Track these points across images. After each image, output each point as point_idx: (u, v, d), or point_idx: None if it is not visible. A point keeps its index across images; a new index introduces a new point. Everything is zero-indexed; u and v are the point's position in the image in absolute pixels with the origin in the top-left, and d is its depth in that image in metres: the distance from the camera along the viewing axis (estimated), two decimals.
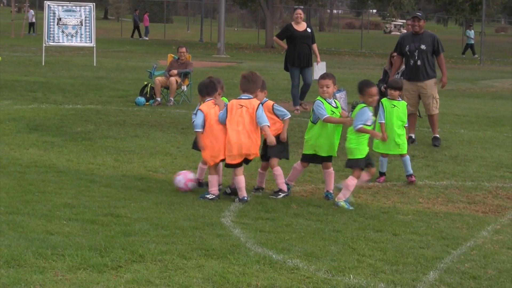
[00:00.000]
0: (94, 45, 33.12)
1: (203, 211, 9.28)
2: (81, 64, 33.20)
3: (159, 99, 19.76)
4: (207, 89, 10.19)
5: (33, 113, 17.34)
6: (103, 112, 17.74)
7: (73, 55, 39.26)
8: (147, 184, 10.71)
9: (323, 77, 10.38)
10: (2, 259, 7.01)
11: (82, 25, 32.95)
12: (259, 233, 8.41)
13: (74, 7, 33.30)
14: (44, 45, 32.86)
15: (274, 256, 7.52)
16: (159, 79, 20.07)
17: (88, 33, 33.10)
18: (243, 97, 9.94)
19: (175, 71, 19.95)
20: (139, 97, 19.90)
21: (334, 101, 10.24)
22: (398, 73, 17.06)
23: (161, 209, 9.27)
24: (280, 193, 10.23)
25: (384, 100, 11.70)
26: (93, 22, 33.26)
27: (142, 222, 8.61)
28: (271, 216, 9.17)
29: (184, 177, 10.37)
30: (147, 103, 19.71)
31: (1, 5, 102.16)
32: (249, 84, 9.94)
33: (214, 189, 9.93)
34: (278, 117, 10.31)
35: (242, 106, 9.82)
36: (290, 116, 10.48)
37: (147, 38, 65.48)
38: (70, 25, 32.70)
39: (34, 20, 65.15)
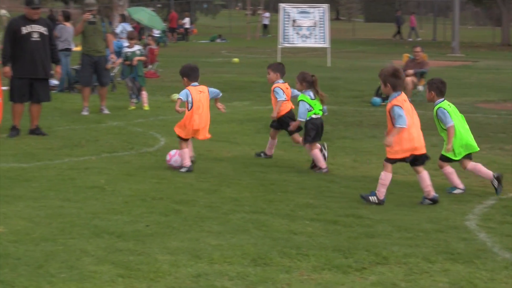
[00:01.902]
0: (328, 46, 33.42)
1: (446, 213, 9.07)
2: (315, 64, 33.55)
3: None
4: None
5: (271, 113, 17.64)
6: (339, 113, 17.82)
7: (307, 56, 39.78)
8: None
9: None
10: (249, 257, 7.17)
11: (316, 26, 33.36)
12: (505, 237, 8.10)
13: (308, 9, 33.80)
14: (279, 46, 33.54)
15: None
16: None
17: (322, 34, 33.49)
18: (399, 93, 9.52)
19: (411, 71, 19.73)
20: (375, 98, 19.85)
21: None
22: None
23: (403, 211, 9.16)
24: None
25: None
26: (327, 23, 33.59)
27: (384, 223, 8.53)
28: None
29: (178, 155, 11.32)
30: (383, 103, 19.59)
31: (236, 8, 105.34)
32: (402, 81, 9.61)
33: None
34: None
35: (406, 100, 9.53)
36: (283, 99, 12.10)
37: (410, 39, 63.79)
38: (304, 26, 33.23)
39: (268, 22, 66.66)
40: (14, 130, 14.07)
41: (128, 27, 30.30)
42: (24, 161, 11.71)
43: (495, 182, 10.09)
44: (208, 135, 11.70)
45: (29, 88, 14.13)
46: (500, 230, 8.41)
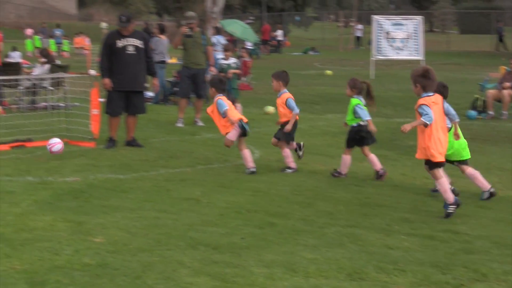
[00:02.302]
0: (423, 58, 33.08)
1: None
2: (409, 77, 33.14)
3: (491, 112, 19.27)
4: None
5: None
6: None
7: (400, 68, 39.42)
8: (486, 200, 10.42)
9: None
10: (345, 271, 7.11)
11: (410, 38, 33.10)
12: None
13: (402, 21, 33.56)
14: (372, 58, 33.35)
15: None
16: (491, 92, 19.58)
17: (416, 46, 33.21)
18: (430, 94, 9.50)
19: (508, 84, 19.36)
20: (470, 111, 19.55)
21: None
22: None
23: (501, 227, 8.98)
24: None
25: None
26: (421, 35, 33.27)
27: (483, 239, 8.37)
28: None
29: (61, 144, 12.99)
30: (479, 116, 19.29)
31: (329, 20, 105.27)
32: (432, 82, 9.55)
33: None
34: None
35: (436, 103, 9.46)
36: (298, 112, 12.24)
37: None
38: (398, 38, 32.99)
39: (360, 34, 66.40)
40: (111, 142, 14.31)
41: (222, 40, 30.54)
42: (121, 172, 11.89)
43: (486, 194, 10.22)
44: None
45: (125, 100, 14.36)
46: None
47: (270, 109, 20.07)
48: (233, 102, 18.32)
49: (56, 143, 12.89)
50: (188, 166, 12.54)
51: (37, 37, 55.86)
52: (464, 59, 51.71)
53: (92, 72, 17.16)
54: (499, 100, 19.63)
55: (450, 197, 9.44)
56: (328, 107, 21.39)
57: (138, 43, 14.33)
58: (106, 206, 9.60)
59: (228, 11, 71.76)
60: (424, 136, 9.43)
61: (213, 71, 18.21)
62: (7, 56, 34.52)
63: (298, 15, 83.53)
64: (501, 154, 13.85)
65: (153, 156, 13.39)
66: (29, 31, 59.69)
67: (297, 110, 12.25)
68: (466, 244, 8.18)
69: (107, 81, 14.14)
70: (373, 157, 11.80)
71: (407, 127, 9.30)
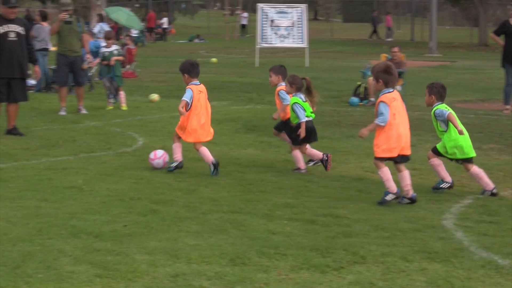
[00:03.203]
0: (306, 46, 33.47)
1: (423, 213, 9.11)
2: (294, 65, 33.52)
3: (373, 99, 19.64)
4: None
5: (249, 113, 17.75)
6: (317, 113, 17.62)
7: (285, 56, 39.82)
8: (365, 185, 10.65)
9: None
10: (227, 257, 7.17)
11: (294, 26, 33.46)
12: (482, 236, 8.15)
13: (286, 9, 33.89)
14: (257, 46, 33.55)
15: (500, 261, 7.25)
16: (372, 79, 19.97)
17: (300, 34, 33.60)
18: (391, 90, 9.51)
19: None
20: (353, 97, 19.93)
21: None
22: None
23: (380, 211, 9.18)
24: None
25: None
26: (305, 23, 33.67)
27: (362, 223, 8.56)
28: (495, 220, 8.88)
29: (163, 160, 11.26)
30: (361, 103, 19.68)
31: (215, 8, 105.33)
32: (392, 78, 9.51)
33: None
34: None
35: (396, 99, 9.49)
36: (289, 103, 11.51)
37: (390, 39, 62.48)
38: (282, 26, 33.30)
39: (246, 22, 66.69)
40: None
41: (106, 27, 30.22)
42: (1, 161, 11.66)
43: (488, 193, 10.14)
44: (210, 137, 11.40)
45: (7, 88, 14.03)
46: (477, 229, 8.46)
47: (155, 96, 19.99)
48: (117, 90, 18.18)
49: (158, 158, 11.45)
50: (70, 154, 12.38)
51: None
52: (347, 47, 52.69)
53: None
54: None
55: (393, 187, 9.52)
56: (213, 95, 21.22)
57: (19, 29, 14.03)
58: None
59: None
60: (386, 134, 9.41)
61: (89, 58, 17.98)
62: None
63: (183, 2, 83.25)
64: None
65: (34, 145, 13.16)
66: None
67: (288, 101, 11.59)
68: (346, 227, 8.35)
69: None
70: (298, 154, 11.52)
71: (364, 131, 9.47)
